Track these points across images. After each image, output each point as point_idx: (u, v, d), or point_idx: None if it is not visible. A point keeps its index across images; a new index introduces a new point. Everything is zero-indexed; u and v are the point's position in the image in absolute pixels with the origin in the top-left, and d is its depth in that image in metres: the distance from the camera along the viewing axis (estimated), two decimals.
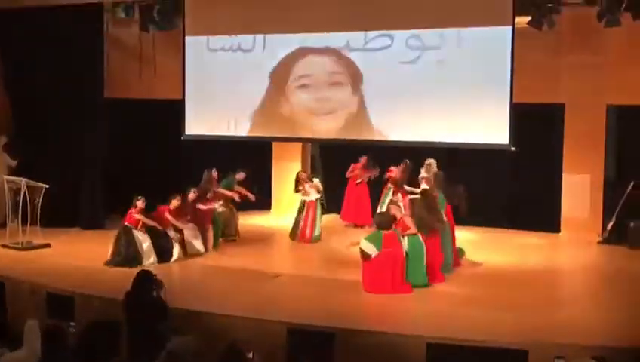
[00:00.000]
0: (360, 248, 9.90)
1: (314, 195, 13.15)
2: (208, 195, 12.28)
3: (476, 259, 11.79)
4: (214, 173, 12.85)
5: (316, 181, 13.33)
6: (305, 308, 9.25)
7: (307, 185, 13.15)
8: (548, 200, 14.02)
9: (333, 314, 8.90)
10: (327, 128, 13.52)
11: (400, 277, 9.73)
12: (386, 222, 9.99)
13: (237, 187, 13.20)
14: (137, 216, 11.22)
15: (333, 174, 15.62)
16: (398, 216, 10.26)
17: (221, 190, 12.87)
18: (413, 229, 10.03)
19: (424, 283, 9.93)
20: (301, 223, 13.09)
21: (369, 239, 9.87)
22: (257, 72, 13.90)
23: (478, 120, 12.38)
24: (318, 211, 13.14)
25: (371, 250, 9.73)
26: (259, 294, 9.73)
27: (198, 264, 11.54)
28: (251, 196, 13.23)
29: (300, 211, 13.20)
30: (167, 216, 11.47)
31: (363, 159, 14.74)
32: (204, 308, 8.99)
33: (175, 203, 11.55)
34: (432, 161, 13.50)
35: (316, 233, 13.06)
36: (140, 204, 11.28)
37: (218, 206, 12.64)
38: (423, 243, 10.01)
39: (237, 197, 13.04)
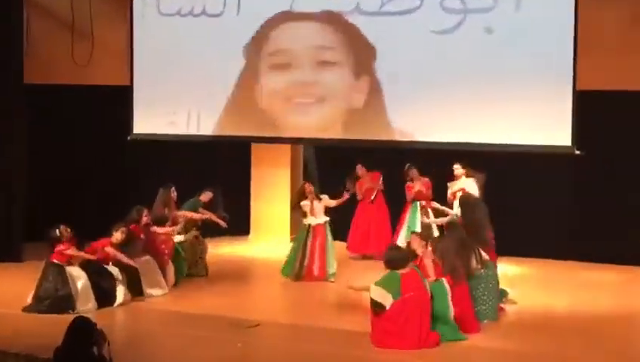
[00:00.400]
0: (370, 297, 9.84)
1: (322, 218, 12.96)
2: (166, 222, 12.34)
3: (523, 302, 11.79)
4: (173, 192, 12.89)
5: (325, 198, 13.04)
6: None
7: (315, 203, 12.90)
8: (626, 222, 14.06)
9: None
10: (314, 124, 13.59)
11: (426, 327, 9.77)
12: (401, 259, 9.98)
13: (202, 211, 13.25)
14: (68, 253, 11.28)
15: (334, 186, 15.67)
16: (420, 252, 10.29)
17: (183, 212, 12.91)
18: (432, 276, 10.12)
19: (454, 337, 9.98)
20: (307, 256, 12.87)
21: (382, 284, 9.81)
22: (229, 45, 13.98)
23: (531, 114, 12.47)
24: (329, 239, 12.96)
25: (386, 299, 9.70)
26: (230, 350, 9.68)
27: (152, 309, 11.55)
28: (222, 223, 13.28)
29: (304, 239, 12.96)
30: (109, 250, 11.51)
31: (372, 174, 14.83)
32: None
33: (119, 236, 11.58)
34: (457, 166, 13.57)
35: (330, 270, 12.87)
36: (68, 234, 11.33)
37: (178, 231, 12.67)
38: (448, 287, 10.10)
39: (198, 218, 13.06)
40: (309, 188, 12.98)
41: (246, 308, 11.64)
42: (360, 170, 14.84)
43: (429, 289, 9.88)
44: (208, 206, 13.37)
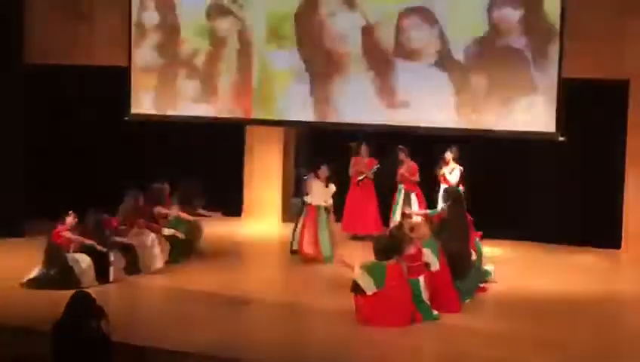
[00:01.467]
0: (353, 279, 10.02)
1: (316, 200, 13.13)
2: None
3: (507, 284, 11.95)
4: (166, 190, 13.11)
5: (330, 186, 13.22)
6: (282, 344, 9.37)
7: (319, 184, 13.13)
8: (606, 206, 14.25)
9: (318, 353, 9.06)
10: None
11: (409, 310, 9.98)
12: (389, 250, 10.12)
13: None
14: (67, 235, 11.46)
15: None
16: (411, 251, 10.42)
17: (174, 211, 13.09)
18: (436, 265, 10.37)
19: (427, 317, 10.18)
20: (297, 232, 13.20)
21: (368, 270, 10.00)
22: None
23: (515, 100, 12.62)
24: (322, 222, 13.07)
25: (368, 286, 9.87)
26: (224, 326, 9.87)
27: (147, 286, 11.73)
28: (213, 213, 13.60)
29: (299, 217, 13.33)
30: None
31: (364, 148, 14.98)
32: (154, 343, 9.13)
33: (70, 220, 11.57)
34: (448, 153, 14.00)
35: (326, 251, 12.99)
36: (71, 220, 11.50)
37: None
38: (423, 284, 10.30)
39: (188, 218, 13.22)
40: (323, 171, 13.17)
41: (239, 286, 11.78)
42: (364, 150, 14.96)
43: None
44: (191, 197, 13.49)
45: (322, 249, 12.98)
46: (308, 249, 12.99)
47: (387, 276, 9.89)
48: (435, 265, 10.50)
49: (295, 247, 13.18)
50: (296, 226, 13.25)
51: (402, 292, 9.96)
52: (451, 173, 14.14)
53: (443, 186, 13.75)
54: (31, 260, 11.66)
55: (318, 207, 13.09)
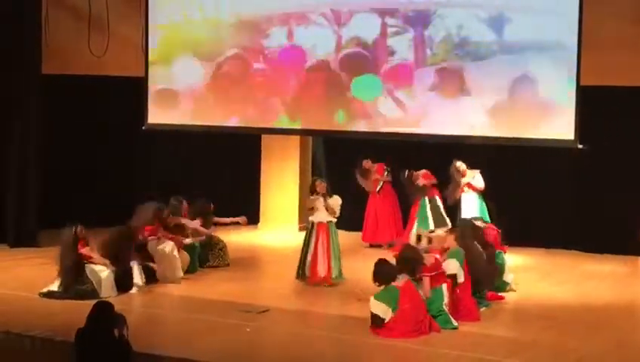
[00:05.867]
0: (370, 311, 9.97)
1: (324, 216, 12.23)
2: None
3: (525, 292, 11.94)
4: (184, 204, 13.06)
5: (335, 198, 12.23)
6: (298, 353, 9.35)
7: (318, 201, 12.19)
8: (626, 214, 14.16)
9: None
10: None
11: (426, 325, 9.94)
12: (388, 273, 10.06)
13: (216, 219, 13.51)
14: (84, 251, 11.38)
15: (344, 178, 15.84)
16: (429, 262, 10.37)
17: (193, 225, 13.05)
18: (426, 293, 10.19)
19: (451, 327, 10.15)
20: (309, 256, 12.24)
21: (382, 298, 9.96)
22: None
23: (534, 107, 12.57)
24: (334, 237, 12.24)
25: (386, 313, 9.84)
26: (241, 334, 9.89)
27: (166, 294, 11.79)
28: (240, 220, 13.59)
29: (307, 238, 12.34)
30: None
31: (378, 166, 15.02)
32: (172, 352, 9.15)
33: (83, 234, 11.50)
34: (459, 163, 14.00)
35: (335, 271, 12.22)
36: (83, 233, 11.37)
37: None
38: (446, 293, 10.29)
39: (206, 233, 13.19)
40: (320, 184, 12.31)
41: (255, 294, 11.82)
42: (366, 163, 14.99)
43: (425, 299, 10.07)
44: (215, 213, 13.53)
45: (333, 269, 12.18)
46: (321, 272, 12.16)
47: (400, 298, 9.86)
48: (461, 277, 10.52)
49: (306, 273, 12.26)
50: (306, 249, 12.27)
51: (417, 309, 9.94)
52: (474, 178, 14.11)
53: (468, 196, 13.96)
54: (46, 270, 11.72)
55: (328, 224, 12.25)
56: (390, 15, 13.30)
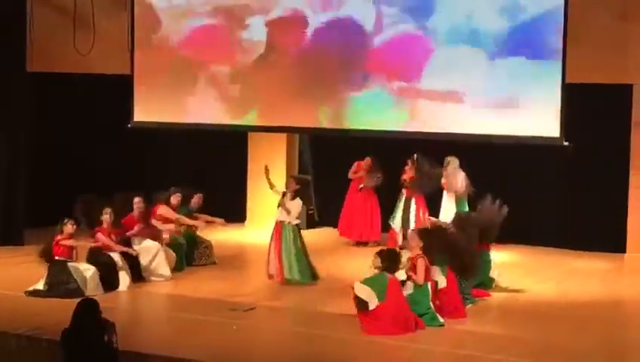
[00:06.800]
0: (354, 295, 9.96)
1: (283, 216, 12.15)
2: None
3: (512, 288, 11.95)
4: (177, 197, 12.98)
5: (296, 201, 12.14)
6: (285, 351, 9.38)
7: (282, 200, 12.12)
8: (611, 210, 14.23)
9: (321, 360, 9.03)
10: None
11: (412, 320, 9.95)
12: (395, 264, 10.10)
13: (195, 215, 13.39)
14: (67, 243, 11.38)
15: (328, 175, 15.84)
16: (415, 252, 10.42)
17: (180, 217, 13.02)
18: (421, 280, 10.24)
19: (437, 324, 10.17)
20: (270, 253, 12.27)
21: (370, 284, 9.96)
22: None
23: (520, 105, 12.58)
24: (287, 238, 12.08)
25: (371, 298, 9.83)
26: (227, 332, 9.87)
27: (152, 293, 11.74)
28: (219, 220, 13.52)
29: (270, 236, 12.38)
30: (100, 237, 11.62)
31: (367, 161, 14.99)
32: (157, 350, 9.12)
33: (107, 218, 11.68)
34: (452, 158, 13.95)
35: (288, 273, 12.02)
36: (69, 228, 11.40)
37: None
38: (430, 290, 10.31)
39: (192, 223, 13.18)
40: (291, 184, 12.34)
41: (242, 292, 11.77)
42: (366, 162, 14.96)
43: (409, 295, 10.09)
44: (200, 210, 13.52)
45: (287, 269, 12.04)
46: (271, 269, 12.17)
47: (388, 288, 9.86)
48: (443, 283, 10.53)
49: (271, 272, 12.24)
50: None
51: (401, 303, 9.95)
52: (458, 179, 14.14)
53: (449, 197, 14.04)
54: (32, 269, 11.69)
55: (281, 224, 12.17)
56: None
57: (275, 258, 12.11)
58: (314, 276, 12.22)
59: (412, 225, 14.01)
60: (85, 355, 7.70)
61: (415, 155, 14.27)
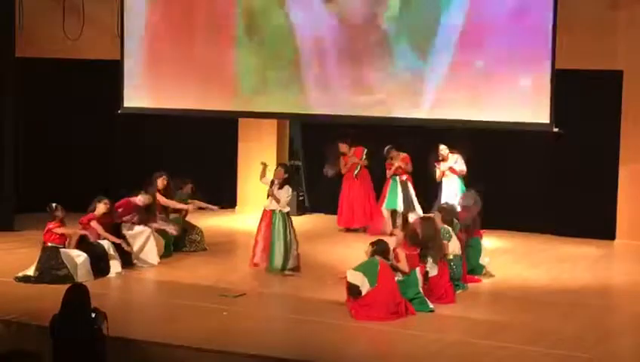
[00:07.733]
0: (347, 281, 9.98)
1: (272, 204, 12.00)
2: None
3: (501, 274, 11.99)
4: (165, 180, 12.90)
5: (285, 189, 11.93)
6: (276, 336, 9.42)
7: (275, 188, 11.94)
8: (600, 197, 14.27)
9: (312, 345, 9.04)
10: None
11: (402, 305, 9.96)
12: (387, 250, 10.17)
13: (191, 201, 13.41)
14: (60, 231, 11.37)
15: (319, 162, 15.79)
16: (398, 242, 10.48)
17: (172, 202, 13.02)
18: (405, 268, 10.25)
19: (427, 310, 10.19)
20: (258, 242, 12.19)
21: (362, 269, 9.98)
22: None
23: (509, 91, 12.55)
24: (277, 227, 11.89)
25: (363, 284, 9.85)
26: (217, 318, 9.88)
27: (142, 279, 11.75)
28: (212, 207, 13.56)
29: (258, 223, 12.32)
30: (94, 224, 11.65)
31: (356, 149, 15.02)
32: (147, 336, 9.13)
33: (102, 207, 11.72)
34: (443, 147, 14.11)
35: (275, 262, 11.86)
36: (59, 213, 11.38)
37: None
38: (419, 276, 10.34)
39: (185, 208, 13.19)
40: (279, 172, 12.08)
41: (232, 278, 11.77)
42: (342, 147, 14.97)
43: (398, 281, 10.12)
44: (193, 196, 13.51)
45: (274, 258, 11.87)
46: (256, 258, 12.09)
47: (379, 273, 9.89)
48: (434, 272, 10.56)
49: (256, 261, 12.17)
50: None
51: (392, 288, 9.96)
52: (456, 162, 14.25)
53: (449, 180, 14.16)
54: (22, 254, 11.77)
55: (272, 212, 12.01)
56: None
57: (262, 247, 12.05)
58: (296, 268, 12.00)
59: (417, 206, 14.26)
60: (73, 341, 7.67)
61: (387, 147, 14.53)
